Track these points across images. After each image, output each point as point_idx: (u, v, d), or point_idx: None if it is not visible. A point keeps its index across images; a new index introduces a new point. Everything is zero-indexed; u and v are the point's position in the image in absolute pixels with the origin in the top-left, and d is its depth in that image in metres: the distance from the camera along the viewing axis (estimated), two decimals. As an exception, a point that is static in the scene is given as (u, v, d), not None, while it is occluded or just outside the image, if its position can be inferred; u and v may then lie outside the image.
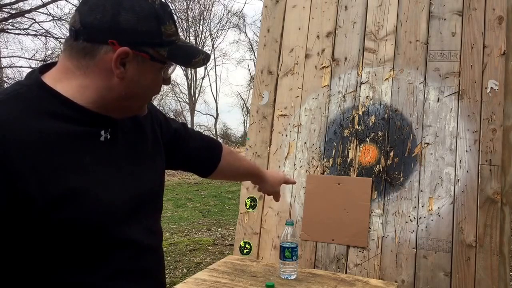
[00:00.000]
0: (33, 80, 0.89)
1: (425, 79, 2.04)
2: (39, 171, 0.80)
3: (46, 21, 13.57)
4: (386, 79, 2.10)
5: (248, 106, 24.45)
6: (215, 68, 27.40)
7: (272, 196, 1.61)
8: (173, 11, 0.97)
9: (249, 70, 26.64)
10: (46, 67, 0.94)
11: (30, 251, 0.82)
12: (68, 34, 0.92)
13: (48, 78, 0.90)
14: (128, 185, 0.96)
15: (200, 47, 0.98)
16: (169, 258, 4.69)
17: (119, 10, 0.87)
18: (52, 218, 0.81)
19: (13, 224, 0.79)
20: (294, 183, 1.71)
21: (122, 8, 0.87)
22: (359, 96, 2.13)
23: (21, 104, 0.84)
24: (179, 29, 0.98)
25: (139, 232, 0.97)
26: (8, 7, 12.04)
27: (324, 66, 2.23)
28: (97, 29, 0.87)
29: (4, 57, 15.06)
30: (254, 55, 23.46)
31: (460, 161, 1.92)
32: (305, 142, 2.19)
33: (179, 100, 26.42)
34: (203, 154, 1.34)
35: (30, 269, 0.83)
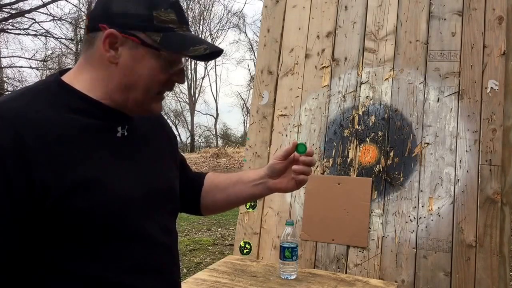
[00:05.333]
0: (53, 79, 0.93)
1: (425, 79, 2.04)
2: (55, 160, 0.82)
3: (46, 21, 13.61)
4: (386, 79, 2.10)
5: (248, 106, 24.43)
6: (215, 68, 27.39)
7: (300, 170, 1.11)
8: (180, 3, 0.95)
9: (249, 70, 26.66)
10: (68, 70, 0.98)
11: (43, 241, 0.83)
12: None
13: (66, 77, 0.94)
14: (144, 180, 0.96)
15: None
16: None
17: None
18: (65, 207, 0.82)
19: (29, 212, 0.80)
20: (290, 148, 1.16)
21: None
22: (359, 96, 2.13)
23: (39, 97, 0.88)
24: (188, 22, 0.94)
25: (154, 228, 0.97)
26: (8, 7, 12.06)
27: (324, 66, 2.23)
28: (94, 17, 0.90)
29: (4, 57, 15.10)
30: (254, 55, 23.46)
31: (460, 161, 1.92)
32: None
33: (179, 100, 26.43)
34: (194, 183, 1.23)
35: (43, 259, 0.84)
